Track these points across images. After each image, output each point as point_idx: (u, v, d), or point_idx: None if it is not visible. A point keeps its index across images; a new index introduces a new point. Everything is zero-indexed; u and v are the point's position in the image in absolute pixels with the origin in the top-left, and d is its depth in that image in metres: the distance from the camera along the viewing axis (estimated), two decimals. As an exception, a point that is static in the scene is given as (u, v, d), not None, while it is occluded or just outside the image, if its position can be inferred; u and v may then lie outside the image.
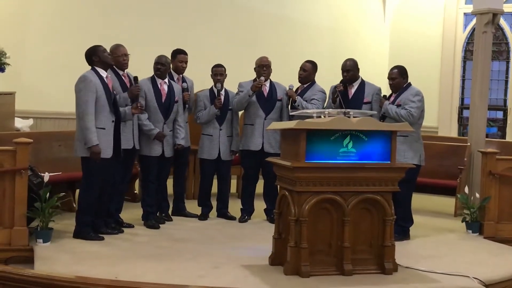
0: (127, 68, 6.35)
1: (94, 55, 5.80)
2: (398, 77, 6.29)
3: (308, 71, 6.90)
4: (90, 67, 5.83)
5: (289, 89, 6.84)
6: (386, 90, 6.59)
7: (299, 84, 6.96)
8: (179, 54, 6.98)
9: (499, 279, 5.08)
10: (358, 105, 6.41)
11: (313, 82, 6.92)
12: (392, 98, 6.33)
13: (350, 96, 6.53)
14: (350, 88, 6.58)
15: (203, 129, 6.99)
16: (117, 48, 6.25)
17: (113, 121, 5.80)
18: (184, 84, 6.92)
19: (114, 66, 6.18)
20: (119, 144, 5.89)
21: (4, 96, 7.72)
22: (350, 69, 6.54)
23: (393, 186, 5.03)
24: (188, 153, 7.19)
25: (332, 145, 4.86)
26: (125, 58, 6.26)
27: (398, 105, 6.19)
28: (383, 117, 6.29)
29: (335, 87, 6.53)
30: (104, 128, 5.72)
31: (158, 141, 6.48)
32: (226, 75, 6.96)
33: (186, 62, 6.99)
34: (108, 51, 6.01)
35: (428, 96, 6.94)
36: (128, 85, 6.28)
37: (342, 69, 6.58)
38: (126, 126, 6.18)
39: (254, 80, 6.85)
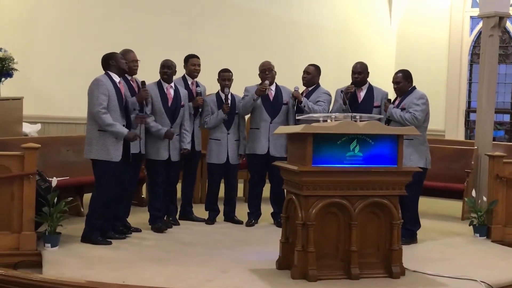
0: (136, 74, 6.39)
1: (111, 59, 5.84)
2: (403, 81, 6.28)
3: (311, 74, 6.89)
4: (100, 72, 5.84)
5: (295, 90, 6.84)
6: (392, 94, 6.59)
7: (304, 88, 6.97)
8: (191, 58, 7.03)
9: (506, 283, 5.07)
10: (369, 108, 6.42)
11: (318, 85, 6.92)
12: (396, 102, 6.33)
13: (360, 100, 6.53)
14: (359, 92, 6.57)
15: (210, 133, 6.99)
16: (128, 53, 6.27)
17: (123, 126, 5.80)
18: (198, 89, 6.95)
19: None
20: (128, 148, 5.91)
21: (12, 101, 7.77)
22: (362, 71, 6.55)
23: (400, 190, 5.03)
24: (199, 157, 7.20)
25: (339, 149, 4.86)
26: (136, 64, 6.32)
27: (403, 109, 6.18)
28: (388, 121, 6.28)
29: (342, 91, 6.53)
30: None
31: (164, 146, 6.48)
32: (233, 80, 6.98)
33: (199, 65, 7.02)
34: None
35: (435, 99, 6.94)
36: (136, 90, 6.32)
37: (353, 71, 6.56)
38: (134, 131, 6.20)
39: (260, 84, 6.85)
